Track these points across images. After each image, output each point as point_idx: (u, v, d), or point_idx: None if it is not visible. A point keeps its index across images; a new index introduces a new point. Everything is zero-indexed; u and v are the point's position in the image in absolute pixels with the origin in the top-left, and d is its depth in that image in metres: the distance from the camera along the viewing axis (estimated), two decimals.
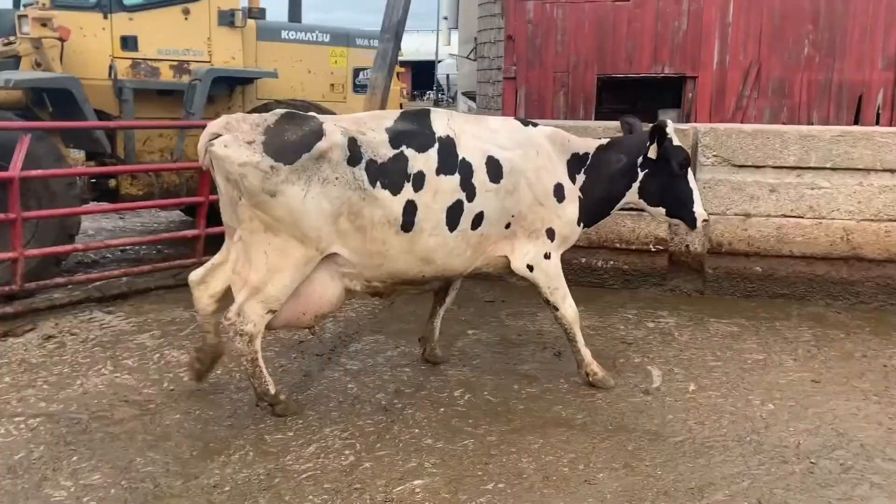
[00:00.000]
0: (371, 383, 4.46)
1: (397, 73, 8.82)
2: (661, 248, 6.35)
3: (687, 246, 6.38)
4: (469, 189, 3.96)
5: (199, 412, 4.06)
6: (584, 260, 6.52)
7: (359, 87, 8.63)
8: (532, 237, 4.23)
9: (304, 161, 3.63)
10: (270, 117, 3.73)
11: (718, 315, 5.79)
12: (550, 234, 4.26)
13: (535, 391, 4.39)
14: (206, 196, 6.45)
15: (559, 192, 4.25)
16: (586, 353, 4.40)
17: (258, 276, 3.72)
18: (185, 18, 7.43)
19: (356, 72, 8.74)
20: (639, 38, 11.90)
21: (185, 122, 7.05)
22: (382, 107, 7.37)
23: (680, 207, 4.42)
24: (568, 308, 4.33)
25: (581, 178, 4.39)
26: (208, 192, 6.47)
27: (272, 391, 3.93)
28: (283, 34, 8.31)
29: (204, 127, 3.83)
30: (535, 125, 4.40)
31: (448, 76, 46.52)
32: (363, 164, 3.75)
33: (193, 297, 4.15)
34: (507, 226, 4.18)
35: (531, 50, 12.78)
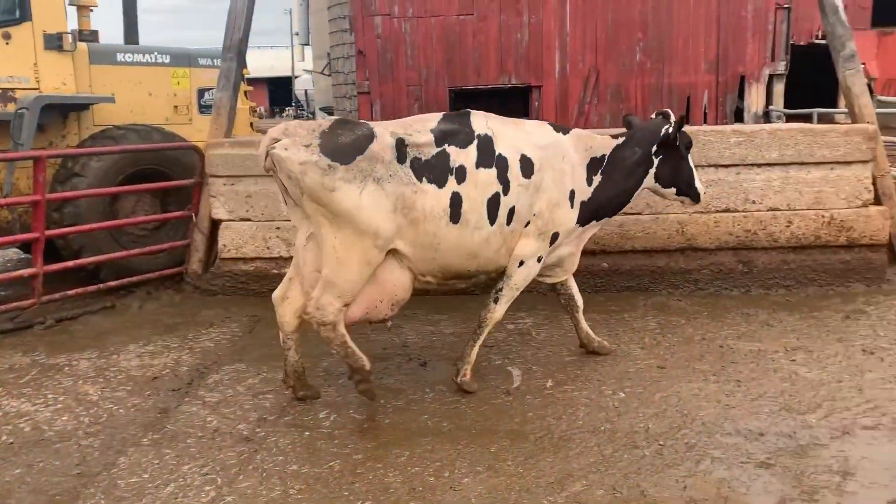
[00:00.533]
0: (232, 414, 4.33)
1: (245, 92, 8.63)
2: None
3: None
4: (505, 183, 4.27)
5: (42, 464, 3.78)
6: None
7: (205, 108, 8.36)
8: (540, 238, 4.49)
9: (357, 161, 3.95)
10: (325, 123, 4.08)
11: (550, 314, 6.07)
12: (555, 237, 4.56)
13: (400, 404, 4.42)
14: (41, 232, 6.04)
15: (572, 198, 4.57)
16: (474, 354, 4.59)
17: (330, 269, 4.02)
18: (6, 43, 6.94)
19: (201, 92, 8.47)
20: (484, 51, 12.33)
21: (13, 155, 6.57)
22: (229, 127, 7.20)
23: (687, 186, 4.93)
24: (502, 310, 4.58)
25: (598, 178, 4.68)
26: (43, 227, 6.07)
27: (367, 367, 4.19)
28: (119, 57, 7.92)
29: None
30: (565, 132, 4.70)
31: (307, 91, 45.98)
32: (408, 162, 4.07)
33: (278, 315, 4.36)
34: (527, 224, 4.43)
35: (383, 64, 12.92)
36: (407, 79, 12.66)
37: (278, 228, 6.65)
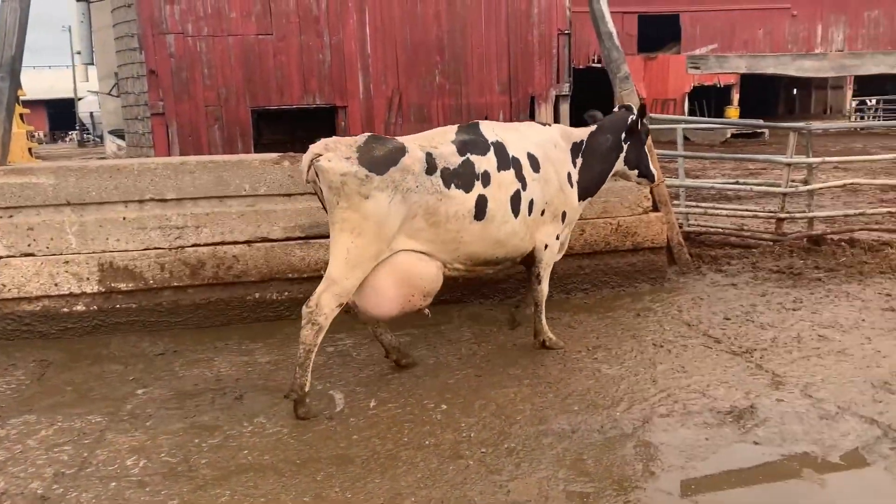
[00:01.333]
0: (22, 473, 3.87)
1: (20, 115, 7.85)
2: None
3: None
4: (522, 180, 4.93)
5: None
6: (257, 295, 6.42)
7: None
8: (554, 221, 5.22)
9: (391, 173, 4.40)
10: (360, 139, 4.51)
11: (391, 328, 6.10)
12: (563, 217, 5.29)
13: (217, 441, 4.19)
14: None
15: (570, 180, 5.29)
16: (545, 323, 5.48)
17: (337, 270, 4.39)
18: None
19: None
20: (286, 71, 12.18)
21: None
22: (4, 153, 6.49)
23: (646, 168, 5.69)
24: (546, 284, 5.37)
25: (579, 161, 5.37)
26: None
27: (307, 388, 4.46)
28: None
29: None
30: (549, 125, 5.47)
31: (92, 114, 42.67)
32: (438, 172, 4.59)
33: (354, 308, 4.76)
34: (542, 212, 5.10)
35: (178, 84, 12.32)
36: (205, 99, 12.16)
37: (67, 263, 6.08)
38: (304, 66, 12.16)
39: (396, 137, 4.67)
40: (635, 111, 5.58)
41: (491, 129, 4.99)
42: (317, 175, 4.44)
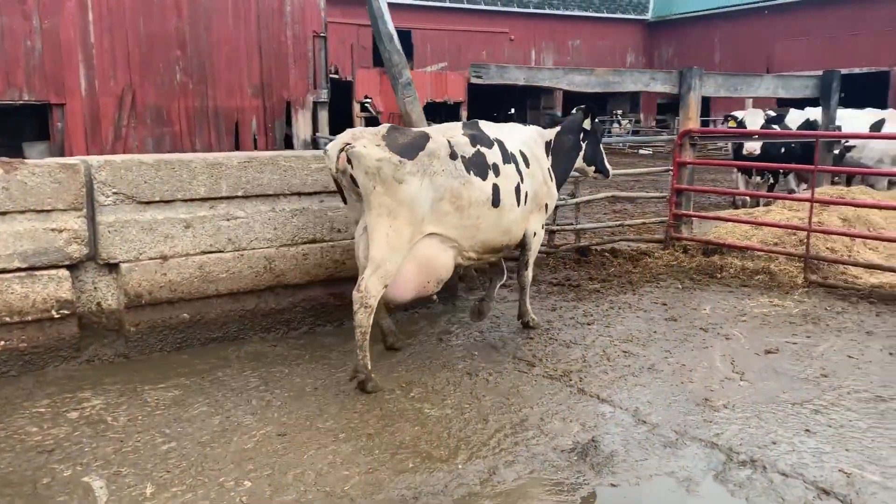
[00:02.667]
0: None
1: None
2: (66, 311, 5.09)
3: (99, 303, 5.28)
4: (521, 174, 5.37)
5: None
6: None
7: None
8: (539, 211, 5.69)
9: (420, 157, 4.71)
10: (382, 129, 4.80)
11: (153, 380, 4.90)
12: (546, 208, 5.80)
13: None
14: None
15: (549, 174, 5.81)
16: (529, 306, 6.03)
17: (380, 253, 4.64)
18: None
19: None
20: None
21: None
22: None
23: (601, 164, 6.40)
24: (531, 270, 5.93)
25: (549, 159, 5.89)
26: None
27: (370, 366, 4.71)
28: None
29: None
30: (528, 126, 5.90)
31: None
32: (460, 159, 4.93)
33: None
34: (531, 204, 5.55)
35: None
36: None
37: None
38: (7, 53, 9.96)
39: (413, 128, 5.11)
40: (588, 114, 6.15)
41: (489, 128, 5.42)
42: (349, 162, 4.64)
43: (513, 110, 37.47)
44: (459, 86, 30.06)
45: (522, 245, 5.68)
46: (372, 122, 24.59)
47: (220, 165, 5.57)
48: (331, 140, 13.00)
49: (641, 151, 30.04)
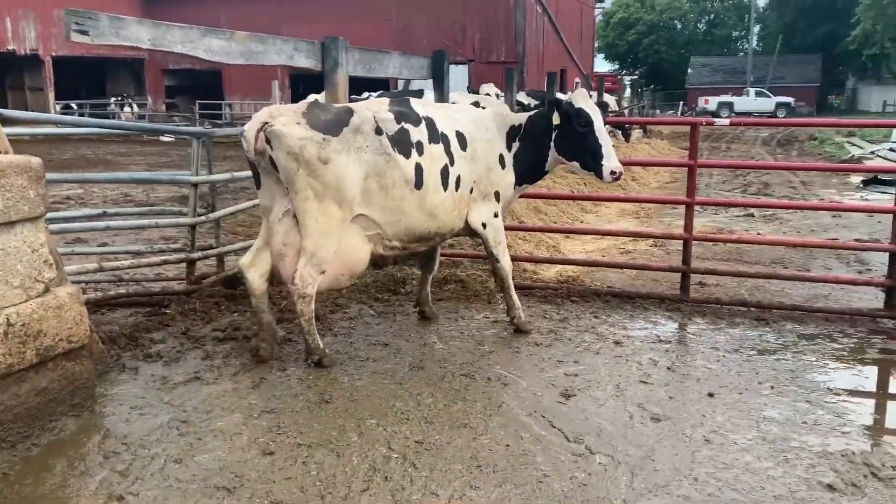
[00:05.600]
0: None
1: None
2: None
3: None
4: (450, 155, 4.96)
5: None
6: None
7: None
8: (486, 200, 5.24)
9: (345, 133, 4.46)
10: (302, 104, 4.52)
11: None
12: (497, 196, 5.29)
13: None
14: None
15: (503, 161, 5.29)
16: (516, 299, 5.46)
17: (312, 241, 4.44)
18: None
19: None
20: None
21: None
22: None
23: (590, 160, 5.17)
24: (506, 261, 5.38)
25: (516, 145, 5.37)
26: None
27: (321, 345, 4.75)
28: None
29: None
30: (483, 107, 5.78)
31: None
32: (385, 135, 4.61)
33: (246, 280, 4.71)
34: (471, 190, 5.12)
35: None
36: None
37: None
38: None
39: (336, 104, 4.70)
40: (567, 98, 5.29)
41: (421, 105, 4.99)
42: (268, 143, 4.34)
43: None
44: None
45: (482, 239, 5.30)
46: None
47: None
48: None
49: (164, 139, 27.04)
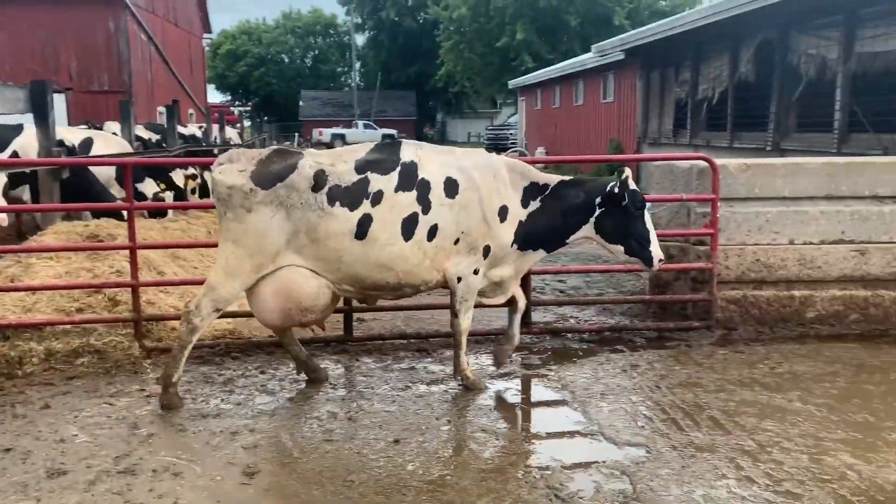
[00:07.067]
0: None
1: None
2: None
3: None
4: (426, 204, 4.71)
5: None
6: None
7: None
8: (471, 253, 4.86)
9: (276, 188, 4.52)
10: (265, 151, 4.70)
11: None
12: (486, 251, 4.88)
13: None
14: None
15: (503, 214, 4.87)
16: (465, 359, 5.12)
17: (216, 277, 4.62)
18: None
19: None
20: None
21: None
22: None
23: (637, 247, 4.91)
24: (465, 320, 5.01)
25: (536, 203, 4.97)
26: None
27: (175, 379, 4.73)
28: None
29: None
30: (498, 154, 5.36)
31: None
32: (326, 189, 4.57)
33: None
34: (456, 241, 4.81)
35: None
36: None
37: None
38: None
39: (301, 152, 4.73)
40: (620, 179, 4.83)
41: (412, 150, 4.86)
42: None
43: None
44: None
45: (451, 291, 4.97)
46: None
47: None
48: None
49: None
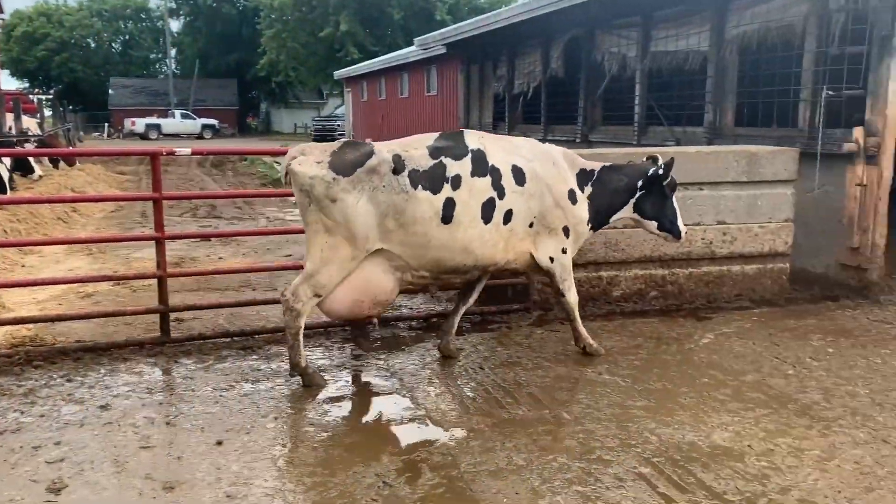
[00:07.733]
0: None
1: None
2: None
3: None
4: (500, 189, 4.97)
5: None
6: None
7: None
8: (552, 235, 5.24)
9: (358, 174, 4.68)
10: (336, 144, 4.86)
11: None
12: (566, 231, 5.28)
13: None
14: None
15: (573, 197, 5.27)
16: (583, 329, 5.51)
17: (313, 265, 4.77)
18: None
19: None
20: None
21: None
22: None
23: (669, 223, 5.55)
24: (572, 296, 5.42)
25: (588, 189, 5.41)
26: None
27: (303, 364, 4.92)
28: None
29: None
30: (551, 145, 5.52)
31: None
32: (406, 173, 4.73)
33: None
34: (531, 224, 5.15)
35: None
36: None
37: None
38: None
39: (371, 142, 4.90)
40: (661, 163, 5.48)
41: (476, 138, 5.06)
42: (287, 177, 4.75)
43: None
44: None
45: (548, 275, 5.35)
46: None
47: None
48: None
49: None
